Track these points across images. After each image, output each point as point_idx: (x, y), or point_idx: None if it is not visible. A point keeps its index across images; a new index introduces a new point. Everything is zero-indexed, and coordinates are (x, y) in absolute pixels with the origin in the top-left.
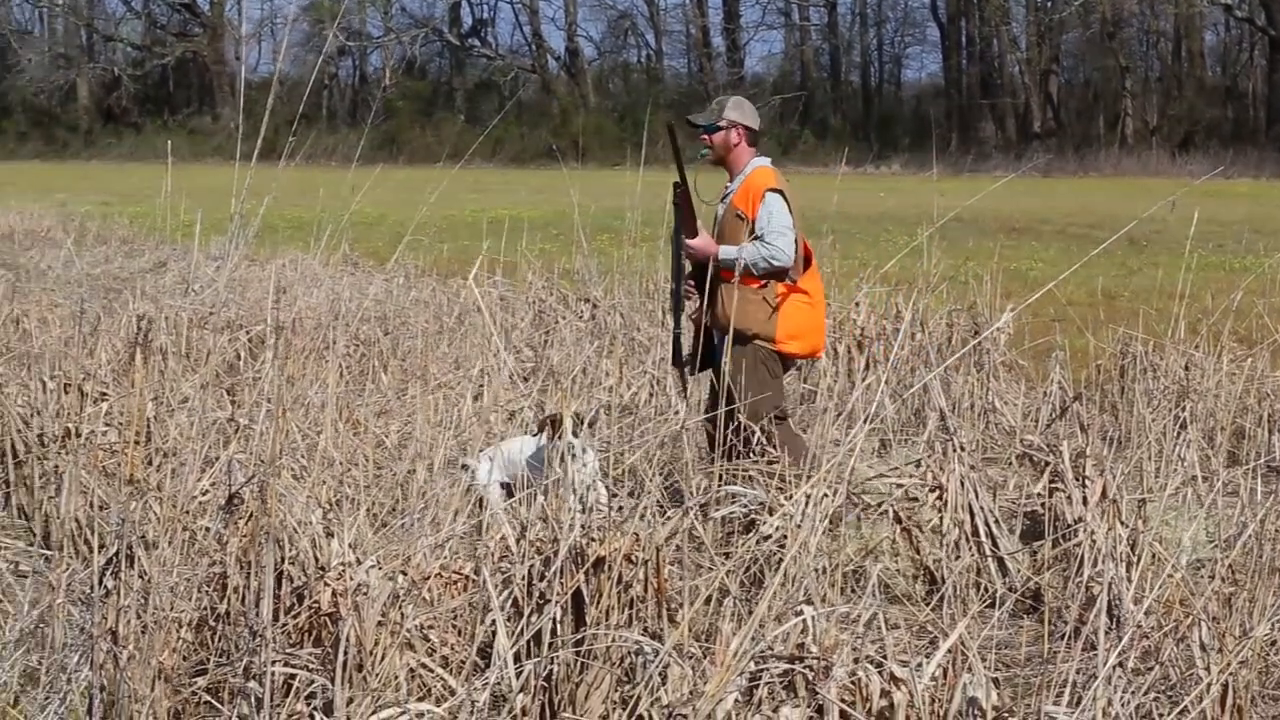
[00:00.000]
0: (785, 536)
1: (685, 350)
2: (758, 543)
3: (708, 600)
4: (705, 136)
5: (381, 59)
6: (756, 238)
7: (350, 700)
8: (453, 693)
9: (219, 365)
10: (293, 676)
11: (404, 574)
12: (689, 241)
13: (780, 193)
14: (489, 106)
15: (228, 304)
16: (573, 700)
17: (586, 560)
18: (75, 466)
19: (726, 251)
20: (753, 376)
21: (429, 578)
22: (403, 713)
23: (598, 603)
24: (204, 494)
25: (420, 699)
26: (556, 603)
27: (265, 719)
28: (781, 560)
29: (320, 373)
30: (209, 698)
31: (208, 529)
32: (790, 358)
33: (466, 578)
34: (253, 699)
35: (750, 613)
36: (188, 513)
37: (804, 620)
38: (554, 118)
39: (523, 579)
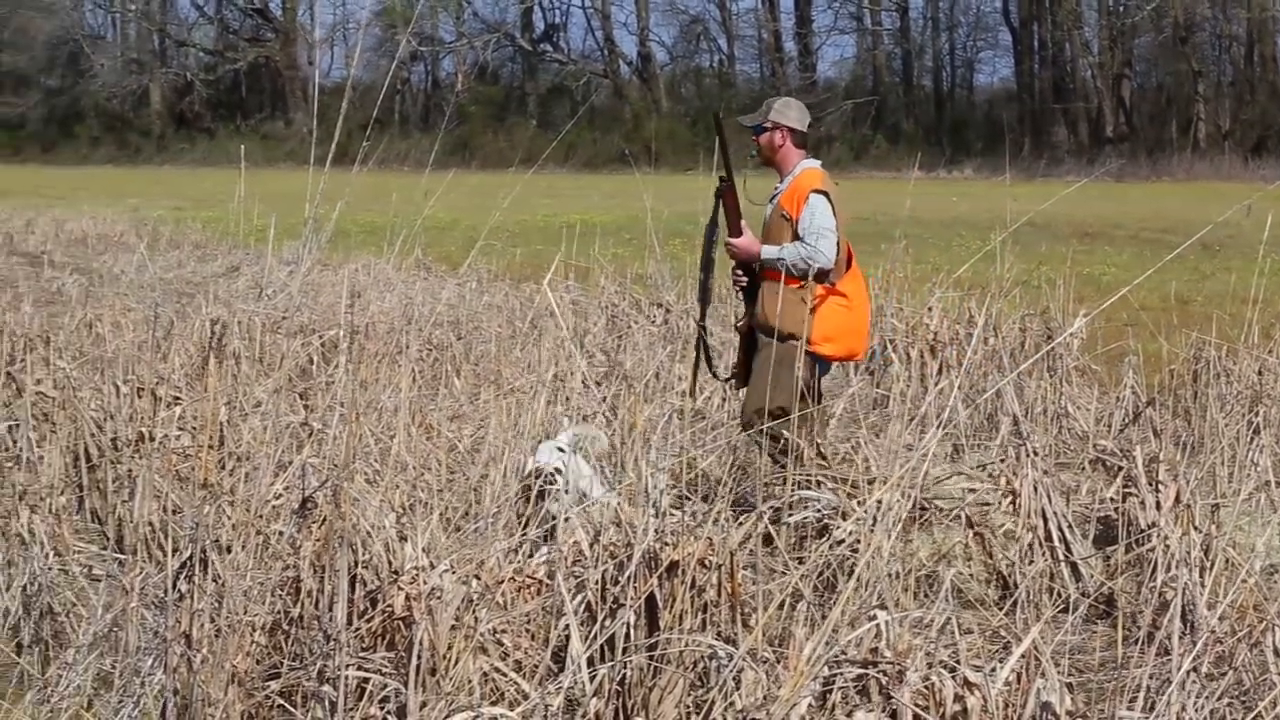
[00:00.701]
0: (858, 541)
1: (715, 352)
2: (831, 547)
3: (780, 605)
4: (755, 137)
5: (454, 64)
6: (798, 238)
7: (423, 704)
8: (526, 697)
9: (292, 370)
10: (366, 680)
11: (477, 578)
12: (732, 240)
13: (825, 194)
14: (561, 111)
15: (301, 308)
16: (645, 705)
17: (660, 565)
18: (149, 471)
19: (768, 251)
20: (775, 370)
21: (502, 582)
22: (476, 716)
23: (671, 607)
24: (277, 498)
25: (493, 703)
26: (630, 607)
27: None
28: (855, 565)
29: (393, 377)
30: (282, 701)
31: (281, 533)
32: (826, 360)
33: (540, 582)
34: (326, 703)
35: (823, 617)
36: (261, 517)
37: (878, 625)
38: (626, 122)
39: (596, 583)
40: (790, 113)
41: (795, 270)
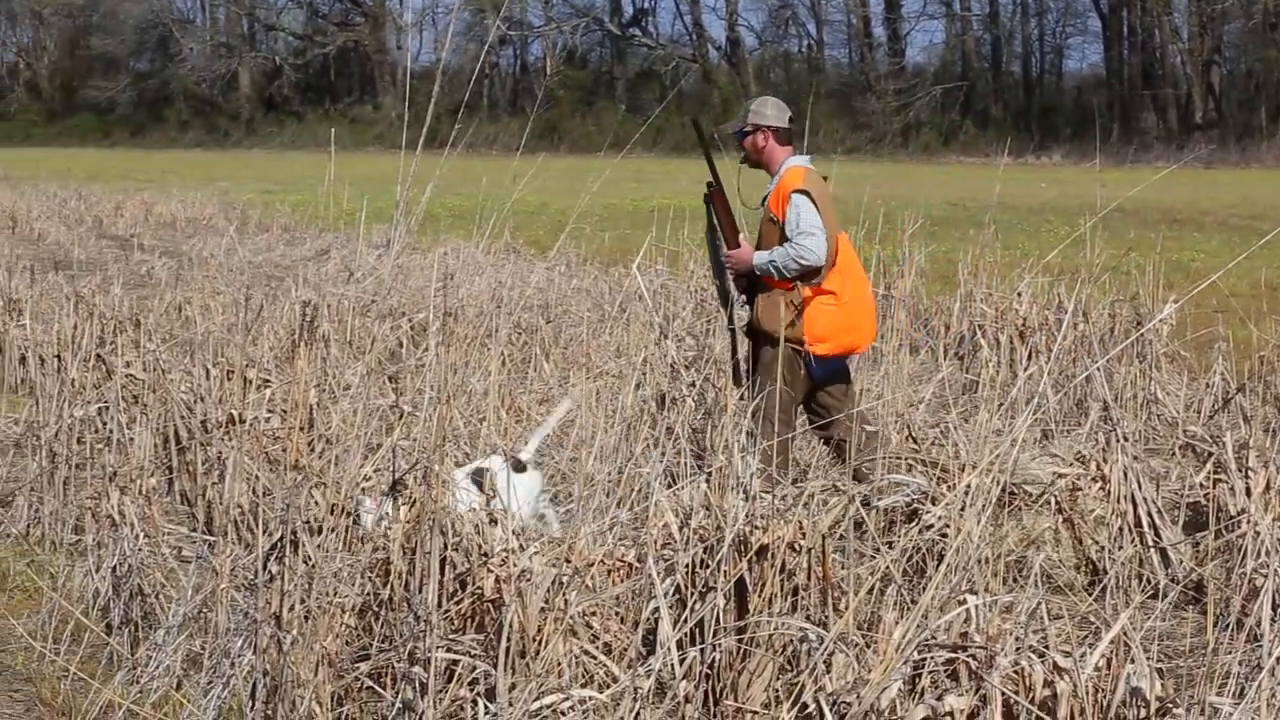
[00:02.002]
0: (947, 526)
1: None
2: (920, 532)
3: (869, 589)
4: (740, 143)
5: (542, 48)
6: (786, 239)
7: (513, 686)
8: (615, 680)
9: (381, 353)
10: (455, 662)
11: (567, 561)
12: (729, 253)
13: (806, 193)
14: (650, 96)
15: (390, 292)
16: (734, 688)
17: (750, 548)
18: (239, 453)
19: (759, 259)
20: (768, 374)
21: (592, 564)
22: (565, 699)
23: (760, 591)
24: (367, 480)
25: (583, 685)
26: (720, 591)
27: (429, 705)
28: (943, 550)
29: (482, 360)
30: (371, 683)
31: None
32: (823, 359)
33: (629, 565)
34: (417, 684)
35: (912, 602)
36: (351, 499)
37: (968, 609)
38: (715, 107)
39: (686, 566)
40: (767, 111)
41: (787, 272)
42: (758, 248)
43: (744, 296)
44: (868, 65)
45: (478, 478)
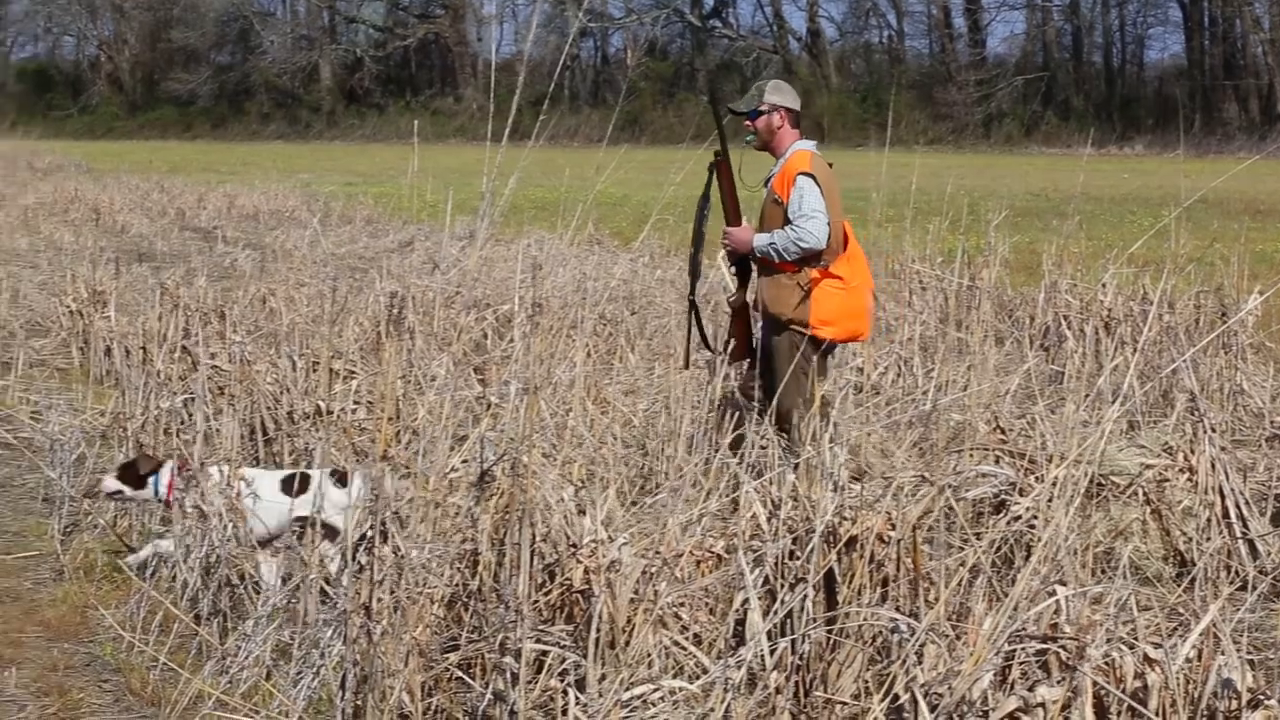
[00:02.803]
0: (1035, 517)
1: (708, 329)
2: (1008, 523)
3: (958, 580)
4: (749, 122)
5: (623, 40)
6: (788, 222)
7: (603, 677)
8: (705, 670)
9: (467, 344)
10: (545, 653)
11: (656, 552)
12: (729, 230)
13: (812, 176)
14: (731, 87)
15: (475, 283)
16: (824, 679)
17: (839, 540)
18: (325, 444)
19: (760, 240)
20: (785, 364)
21: (680, 555)
22: (656, 689)
23: (849, 582)
24: (454, 471)
25: (673, 676)
26: (810, 582)
27: (520, 695)
28: (1032, 541)
29: (568, 351)
30: (460, 673)
31: (460, 506)
32: (826, 343)
33: (718, 556)
34: (508, 675)
35: (999, 593)
36: (439, 490)
37: (1057, 601)
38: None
39: (775, 558)
40: (785, 93)
41: (787, 254)
42: (760, 228)
43: (733, 269)
44: (948, 56)
45: (289, 482)
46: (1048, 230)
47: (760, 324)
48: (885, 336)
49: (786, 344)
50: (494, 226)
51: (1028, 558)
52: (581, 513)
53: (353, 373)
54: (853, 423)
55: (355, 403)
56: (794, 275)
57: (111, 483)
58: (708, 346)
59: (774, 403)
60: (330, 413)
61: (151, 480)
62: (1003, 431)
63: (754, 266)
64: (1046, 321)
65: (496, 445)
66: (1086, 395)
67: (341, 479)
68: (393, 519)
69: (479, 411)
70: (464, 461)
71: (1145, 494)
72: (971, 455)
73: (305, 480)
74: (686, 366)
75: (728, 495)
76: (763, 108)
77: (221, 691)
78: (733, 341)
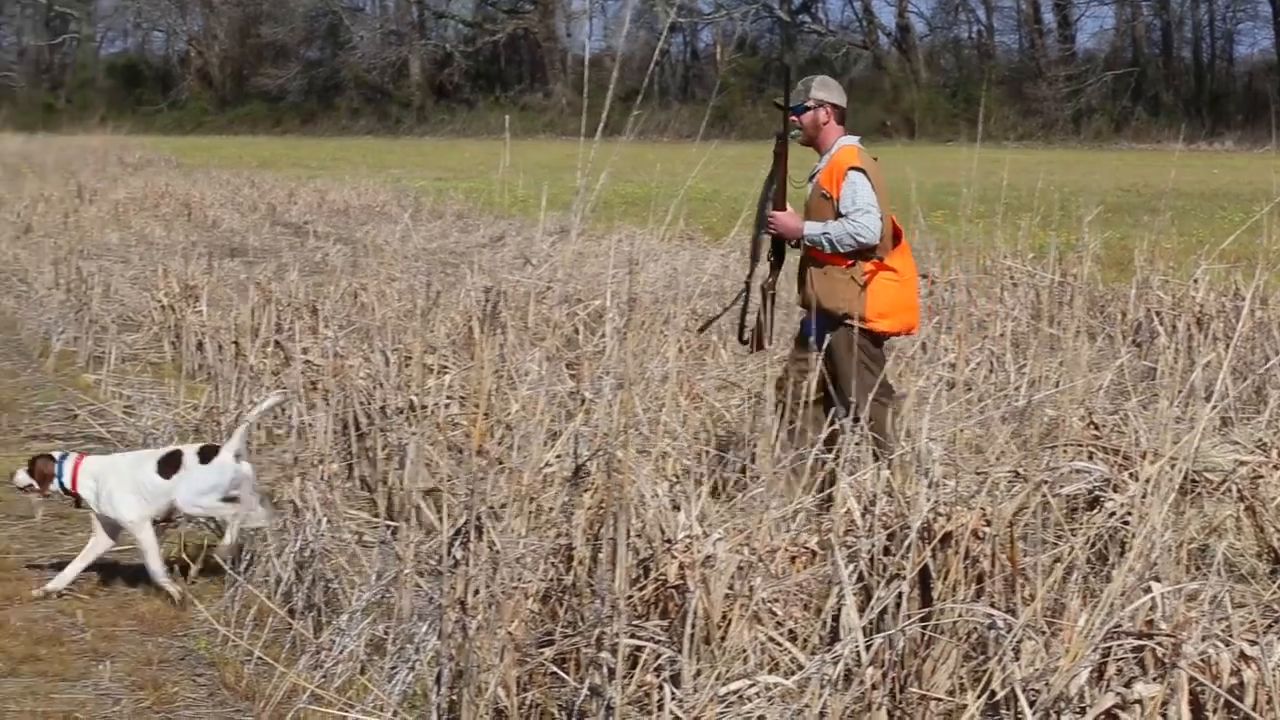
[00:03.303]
0: (1129, 513)
1: (751, 317)
2: (1103, 519)
3: (1054, 576)
4: (795, 117)
5: (713, 35)
6: (841, 216)
7: (698, 673)
8: (800, 666)
9: (559, 339)
10: (640, 648)
11: (750, 547)
12: (775, 214)
13: (863, 171)
14: None
15: (567, 278)
16: (919, 675)
17: (934, 535)
18: (419, 438)
19: (811, 228)
20: (847, 361)
21: (775, 551)
22: (751, 685)
23: (945, 578)
24: (548, 466)
25: (768, 672)
26: (906, 578)
27: (616, 690)
28: (1127, 537)
29: (660, 346)
30: (555, 668)
31: (555, 502)
32: (883, 335)
33: (812, 552)
34: (605, 669)
35: (1093, 589)
36: (533, 485)
37: (1153, 597)
38: (885, 94)
39: (869, 553)
40: (831, 89)
41: (841, 246)
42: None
43: (771, 255)
44: (1038, 51)
45: (165, 461)
46: (1139, 226)
47: (813, 319)
48: (977, 332)
49: (844, 340)
50: (586, 222)
51: (1122, 554)
52: (676, 508)
53: (445, 368)
54: (946, 419)
55: (448, 398)
56: (848, 269)
57: (23, 477)
58: (741, 338)
59: (845, 400)
60: (423, 408)
61: (56, 474)
62: (1096, 427)
63: (786, 255)
64: (1138, 317)
65: (590, 441)
66: (1179, 391)
67: (205, 454)
68: (488, 514)
69: (572, 407)
70: (558, 457)
71: (1239, 490)
72: (1065, 451)
73: (178, 458)
74: (760, 347)
75: (820, 491)
76: (809, 103)
77: (316, 686)
78: (755, 328)
